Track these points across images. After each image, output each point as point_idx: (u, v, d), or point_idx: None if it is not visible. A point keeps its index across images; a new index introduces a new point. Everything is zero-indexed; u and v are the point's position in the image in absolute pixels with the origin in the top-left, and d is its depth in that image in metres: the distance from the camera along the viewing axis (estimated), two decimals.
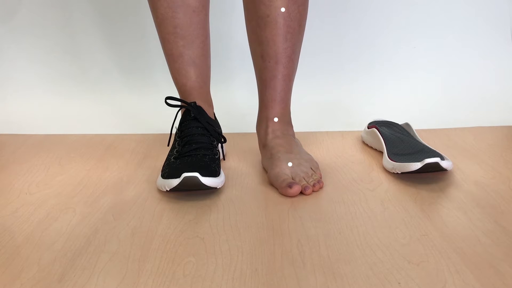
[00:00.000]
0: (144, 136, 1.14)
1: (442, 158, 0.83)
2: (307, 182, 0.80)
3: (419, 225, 0.69)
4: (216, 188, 0.80)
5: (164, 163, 0.84)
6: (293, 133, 0.92)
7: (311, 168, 0.84)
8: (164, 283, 0.57)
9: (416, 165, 0.80)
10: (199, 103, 0.90)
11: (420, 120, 1.17)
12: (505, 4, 1.36)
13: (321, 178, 0.83)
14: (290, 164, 0.83)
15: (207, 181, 0.76)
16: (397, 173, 0.85)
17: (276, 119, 0.89)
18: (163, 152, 1.01)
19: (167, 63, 0.90)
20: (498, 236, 0.66)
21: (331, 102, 1.32)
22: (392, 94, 1.34)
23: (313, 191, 0.80)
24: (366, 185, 0.83)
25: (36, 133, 1.17)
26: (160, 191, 0.82)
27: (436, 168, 0.81)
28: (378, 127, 0.99)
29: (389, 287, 0.55)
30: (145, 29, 1.35)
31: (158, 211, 0.75)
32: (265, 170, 0.89)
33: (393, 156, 0.88)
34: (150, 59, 1.38)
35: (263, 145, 0.89)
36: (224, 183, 0.84)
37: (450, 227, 0.68)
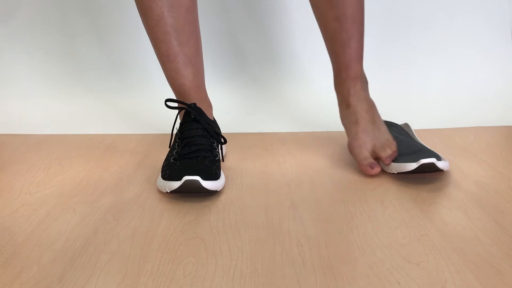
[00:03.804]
0: (144, 136, 1.14)
1: (439, 159, 0.83)
2: (385, 152, 0.85)
3: (419, 225, 0.69)
4: (216, 191, 0.80)
5: (164, 163, 0.84)
6: (368, 91, 0.95)
7: (387, 140, 0.88)
8: (164, 283, 0.57)
9: (412, 166, 0.80)
10: (199, 103, 0.90)
11: (420, 120, 1.18)
12: (505, 4, 1.37)
13: (395, 151, 0.86)
14: (372, 136, 0.88)
15: (208, 184, 0.76)
16: (394, 173, 0.85)
17: (357, 78, 0.91)
18: (163, 152, 1.01)
19: (163, 65, 0.89)
20: (498, 235, 0.66)
21: (331, 102, 1.32)
22: (392, 94, 1.34)
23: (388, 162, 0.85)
24: (366, 185, 0.83)
25: (36, 133, 1.18)
26: (160, 191, 0.82)
27: (432, 169, 0.81)
28: None
29: (389, 287, 0.55)
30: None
31: (158, 211, 0.75)
32: (344, 127, 0.93)
33: None
34: (150, 59, 1.38)
35: (347, 104, 0.92)
36: (224, 183, 0.84)
37: (450, 227, 0.68)
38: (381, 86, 1.36)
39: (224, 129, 1.00)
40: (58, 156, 1.02)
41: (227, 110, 1.23)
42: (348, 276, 0.58)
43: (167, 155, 0.86)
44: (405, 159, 0.84)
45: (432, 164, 0.79)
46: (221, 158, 0.93)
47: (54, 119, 1.27)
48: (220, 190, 0.82)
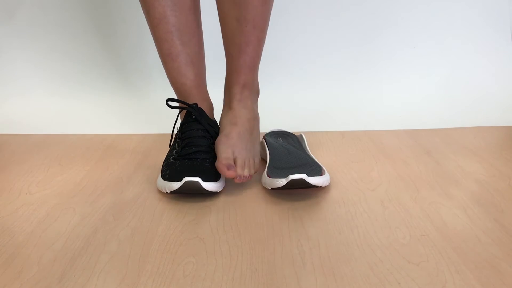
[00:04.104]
0: (144, 136, 1.14)
1: (314, 174, 0.78)
2: (243, 171, 0.81)
3: (419, 225, 0.69)
4: (216, 192, 0.80)
5: (164, 163, 0.84)
6: (256, 103, 0.91)
7: (253, 160, 0.84)
8: (164, 283, 0.57)
9: (282, 182, 0.76)
10: (200, 103, 0.90)
11: (420, 120, 1.18)
12: (505, 4, 1.37)
13: (255, 173, 0.83)
14: (244, 145, 0.83)
15: (208, 186, 0.76)
16: (269, 189, 0.81)
17: (247, 86, 0.88)
18: (163, 152, 1.01)
19: (164, 64, 0.89)
20: (498, 235, 0.66)
21: (331, 102, 1.32)
22: (392, 93, 1.34)
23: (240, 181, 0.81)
24: (366, 185, 0.83)
25: (36, 133, 1.18)
26: (160, 191, 0.82)
27: (304, 185, 0.77)
28: (267, 138, 0.96)
29: (389, 287, 0.55)
30: (145, 29, 1.35)
31: (158, 211, 0.75)
32: (220, 127, 0.89)
33: (272, 169, 0.83)
34: (150, 59, 1.38)
35: (230, 107, 0.89)
36: (224, 184, 0.84)
37: (450, 226, 0.68)
38: (382, 85, 1.37)
39: None
40: (58, 156, 1.02)
41: None
42: (348, 276, 0.58)
43: (167, 155, 0.86)
44: (281, 174, 0.80)
45: (302, 180, 0.75)
46: None
47: (54, 119, 1.27)
48: (220, 190, 0.82)
